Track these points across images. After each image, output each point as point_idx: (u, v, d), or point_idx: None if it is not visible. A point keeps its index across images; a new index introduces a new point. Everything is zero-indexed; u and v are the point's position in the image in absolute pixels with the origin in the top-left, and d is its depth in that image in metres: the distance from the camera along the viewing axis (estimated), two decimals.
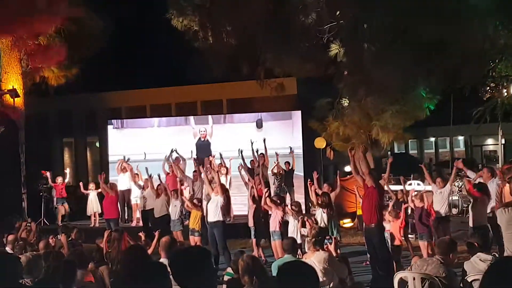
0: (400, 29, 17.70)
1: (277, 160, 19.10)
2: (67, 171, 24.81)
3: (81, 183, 20.54)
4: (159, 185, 15.98)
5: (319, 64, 19.42)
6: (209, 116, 23.05)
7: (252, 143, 18.87)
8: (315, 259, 8.07)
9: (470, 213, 12.21)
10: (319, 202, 13.04)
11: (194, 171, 18.17)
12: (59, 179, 20.42)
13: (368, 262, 12.18)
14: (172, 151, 19.45)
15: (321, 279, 7.89)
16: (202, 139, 21.47)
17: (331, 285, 8.04)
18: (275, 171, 18.80)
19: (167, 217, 15.31)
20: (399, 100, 18.73)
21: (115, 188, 17.12)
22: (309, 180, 14.54)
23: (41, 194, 20.41)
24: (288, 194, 18.67)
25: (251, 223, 14.28)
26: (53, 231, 13.21)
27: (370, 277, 11.47)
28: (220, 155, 18.66)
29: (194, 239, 13.78)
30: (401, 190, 14.93)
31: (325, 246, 8.66)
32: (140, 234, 10.84)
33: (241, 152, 18.23)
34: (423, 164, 16.86)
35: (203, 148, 21.46)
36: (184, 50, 22.97)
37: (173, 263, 4.05)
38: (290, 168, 19.17)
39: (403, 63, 17.82)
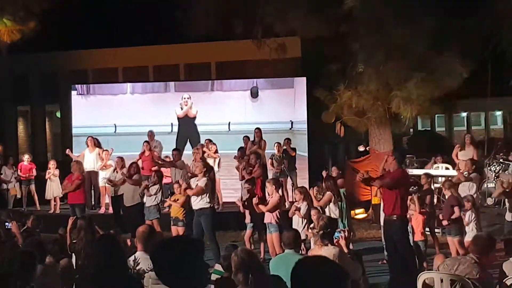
0: None
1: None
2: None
3: None
4: (131, 164, 15.98)
5: (329, 20, 19.35)
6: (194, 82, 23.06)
7: None
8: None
9: (507, 204, 12.27)
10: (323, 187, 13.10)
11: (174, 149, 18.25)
12: (26, 157, 20.32)
13: (385, 261, 12.24)
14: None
15: None
16: (186, 109, 21.42)
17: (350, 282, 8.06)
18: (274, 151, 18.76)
19: (139, 206, 15.32)
20: (425, 65, 18.70)
21: (81, 167, 17.11)
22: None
23: None
24: (289, 178, 18.67)
25: (248, 219, 14.19)
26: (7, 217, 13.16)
27: (387, 278, 11.52)
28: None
29: (177, 230, 13.81)
30: (426, 175, 14.91)
31: (335, 241, 8.68)
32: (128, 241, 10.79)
33: None
34: (458, 145, 16.89)
35: (186, 121, 21.44)
36: (165, 1, 22.86)
37: (156, 256, 4.03)
38: (290, 147, 19.08)
39: (430, 21, 17.79)
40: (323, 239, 8.37)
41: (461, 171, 14.94)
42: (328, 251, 8.14)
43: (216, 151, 18.09)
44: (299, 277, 3.68)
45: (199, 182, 13.34)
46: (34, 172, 20.03)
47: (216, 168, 17.48)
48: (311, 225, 11.71)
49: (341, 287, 3.65)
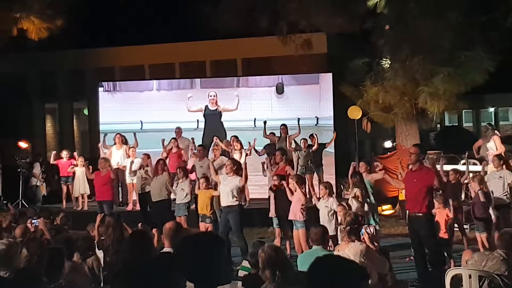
0: None
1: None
2: None
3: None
4: (158, 161, 16.00)
5: (355, 16, 19.29)
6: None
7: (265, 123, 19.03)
8: (349, 251, 8.08)
9: None
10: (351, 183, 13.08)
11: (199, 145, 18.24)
12: (64, 153, 20.31)
13: (412, 257, 12.18)
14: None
15: None
16: (212, 107, 21.41)
17: (369, 282, 8.05)
18: (300, 145, 18.70)
19: (167, 202, 15.37)
20: (452, 61, 18.58)
21: (110, 164, 17.18)
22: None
23: (18, 170, 20.45)
24: (316, 174, 18.63)
25: (273, 213, 14.20)
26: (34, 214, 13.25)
27: (414, 275, 11.47)
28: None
29: (206, 226, 13.82)
30: (453, 171, 14.80)
31: (361, 237, 8.66)
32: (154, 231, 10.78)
33: (265, 123, 18.80)
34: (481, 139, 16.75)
35: (212, 118, 21.45)
36: None
37: (180, 251, 4.03)
38: (317, 142, 19.01)
39: (457, 15, 17.68)
40: (350, 235, 8.35)
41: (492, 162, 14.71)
42: (355, 247, 8.13)
43: (241, 148, 18.09)
44: (317, 276, 3.65)
45: (235, 182, 13.27)
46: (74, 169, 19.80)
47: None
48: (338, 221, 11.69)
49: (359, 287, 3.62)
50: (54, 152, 20.83)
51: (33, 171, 20.52)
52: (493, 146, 16.32)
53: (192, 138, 19.57)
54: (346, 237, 8.36)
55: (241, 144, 17.99)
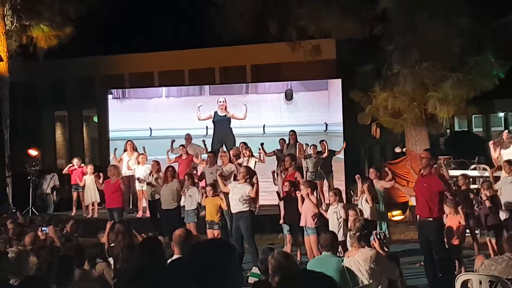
0: None
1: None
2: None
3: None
4: (167, 168, 16.01)
5: (364, 21, 19.29)
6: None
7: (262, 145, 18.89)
8: (359, 257, 8.07)
9: None
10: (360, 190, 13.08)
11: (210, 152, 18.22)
12: (75, 161, 20.32)
13: (422, 263, 12.15)
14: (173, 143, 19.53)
15: (366, 282, 7.90)
16: (221, 113, 21.42)
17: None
18: (310, 152, 18.67)
19: (177, 209, 15.39)
20: (461, 66, 18.57)
21: (119, 171, 17.20)
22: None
23: (29, 178, 20.48)
24: (326, 180, 18.62)
25: (283, 220, 14.11)
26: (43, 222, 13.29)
27: (424, 281, 11.45)
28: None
29: (213, 233, 13.82)
30: (463, 176, 14.75)
31: (371, 243, 8.64)
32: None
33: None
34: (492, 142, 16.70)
35: (221, 124, 21.47)
36: (200, 5, 22.92)
37: (191, 257, 4.05)
38: (327, 149, 18.97)
39: (466, 21, 17.66)
40: (359, 241, 8.34)
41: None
42: (365, 253, 8.12)
43: (250, 156, 18.08)
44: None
45: (246, 189, 13.26)
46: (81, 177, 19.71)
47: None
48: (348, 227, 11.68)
49: None
50: (69, 165, 20.73)
51: (43, 181, 20.56)
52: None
53: (203, 141, 19.61)
54: (356, 243, 8.35)
55: (250, 151, 17.99)
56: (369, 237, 8.57)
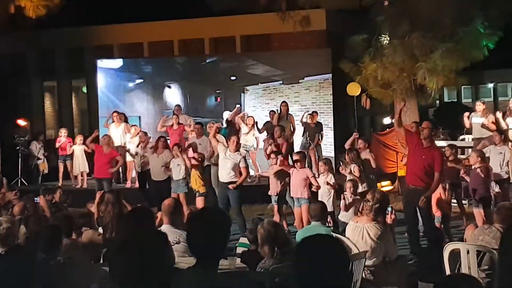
0: None
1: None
2: None
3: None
4: (159, 138, 15.89)
5: None
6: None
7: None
8: (370, 230, 8.03)
9: None
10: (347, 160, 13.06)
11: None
12: (63, 131, 20.10)
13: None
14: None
15: (369, 254, 7.88)
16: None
17: (373, 260, 8.01)
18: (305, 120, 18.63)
19: (167, 180, 15.28)
20: (451, 36, 18.52)
21: (112, 141, 17.08)
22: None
23: (17, 148, 20.40)
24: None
25: (273, 191, 14.02)
26: (33, 192, 13.22)
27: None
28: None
29: (198, 200, 13.93)
30: (449, 146, 14.68)
31: (386, 217, 8.60)
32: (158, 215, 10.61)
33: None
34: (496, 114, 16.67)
35: None
36: None
37: (190, 225, 4.12)
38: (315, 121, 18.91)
39: None
40: (377, 214, 8.29)
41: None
42: (376, 229, 8.06)
43: (253, 124, 18.04)
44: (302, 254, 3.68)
45: (237, 158, 13.25)
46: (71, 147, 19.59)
47: (254, 147, 18.10)
48: (345, 193, 11.68)
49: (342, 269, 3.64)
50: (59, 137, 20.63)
51: (30, 148, 20.45)
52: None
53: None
54: (373, 214, 8.28)
55: (253, 120, 18.03)
56: (385, 211, 8.53)
